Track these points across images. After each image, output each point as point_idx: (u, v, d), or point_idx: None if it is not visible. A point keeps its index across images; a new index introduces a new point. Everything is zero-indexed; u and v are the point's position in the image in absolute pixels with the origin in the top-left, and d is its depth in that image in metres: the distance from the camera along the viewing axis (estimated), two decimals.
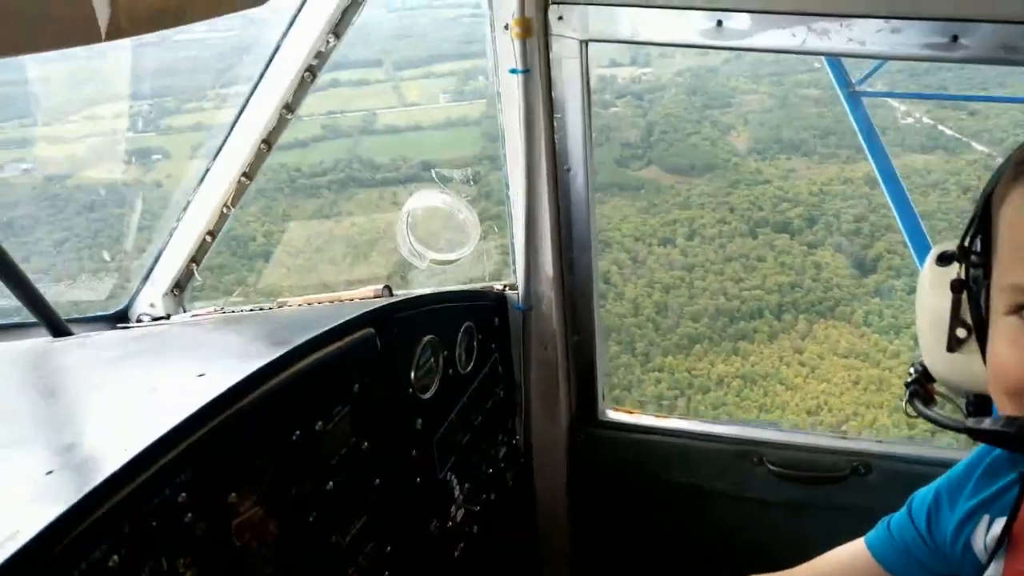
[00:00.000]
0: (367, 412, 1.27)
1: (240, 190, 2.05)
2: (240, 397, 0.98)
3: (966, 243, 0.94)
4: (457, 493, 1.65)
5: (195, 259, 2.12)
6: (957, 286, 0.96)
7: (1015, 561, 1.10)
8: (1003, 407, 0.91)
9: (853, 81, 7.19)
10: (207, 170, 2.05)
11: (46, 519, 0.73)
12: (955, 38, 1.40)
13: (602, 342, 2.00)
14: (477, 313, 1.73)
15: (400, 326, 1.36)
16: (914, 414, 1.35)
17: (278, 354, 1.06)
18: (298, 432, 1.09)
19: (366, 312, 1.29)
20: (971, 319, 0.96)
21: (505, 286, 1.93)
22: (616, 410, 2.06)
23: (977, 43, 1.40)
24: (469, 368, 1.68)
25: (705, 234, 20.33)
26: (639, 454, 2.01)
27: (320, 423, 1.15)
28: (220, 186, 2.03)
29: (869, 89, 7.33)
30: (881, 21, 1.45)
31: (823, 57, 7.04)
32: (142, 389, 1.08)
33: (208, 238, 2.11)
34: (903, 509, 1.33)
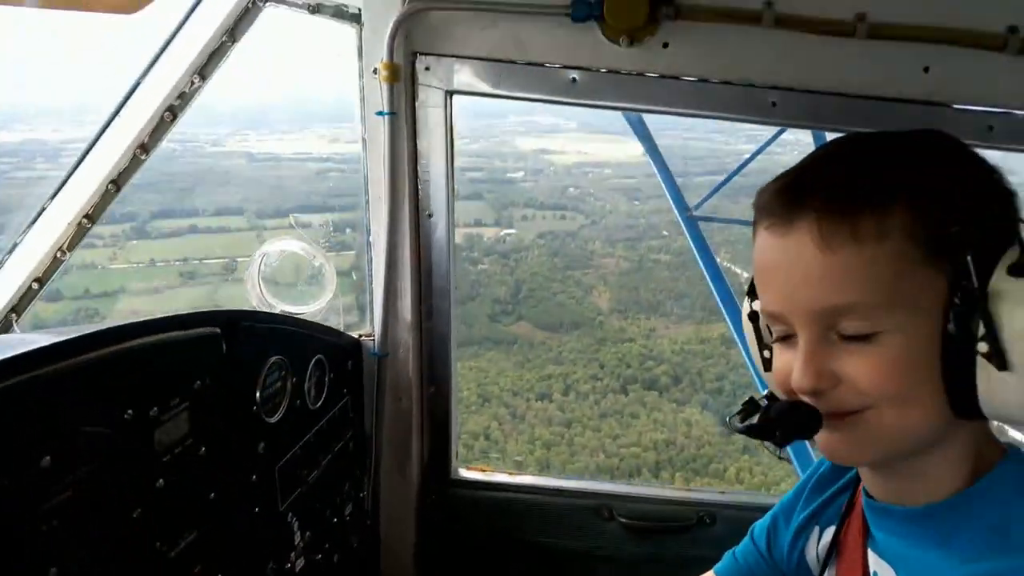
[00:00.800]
0: (207, 416, 1.18)
1: (80, 233, 1.94)
2: (65, 356, 0.90)
3: (754, 280, 1.09)
4: (298, 539, 1.53)
5: (15, 309, 1.94)
6: (753, 317, 1.12)
7: (843, 568, 1.17)
8: None
9: (690, 206, 8.00)
10: (41, 209, 1.92)
11: None
12: (774, 104, 1.63)
13: (456, 397, 1.99)
14: (330, 350, 1.69)
15: (248, 335, 1.30)
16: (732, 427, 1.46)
17: (108, 326, 0.99)
18: (130, 412, 1.00)
19: (212, 311, 1.23)
20: (770, 340, 1.10)
21: (360, 335, 1.90)
22: (469, 469, 2.02)
23: (792, 110, 1.63)
24: (318, 405, 1.62)
25: (580, 390, 21.18)
26: (493, 513, 1.97)
27: (156, 409, 1.06)
28: (56, 228, 1.91)
29: (705, 214, 8.17)
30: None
31: (662, 182, 7.86)
32: None
33: (35, 285, 1.95)
34: (746, 537, 1.41)
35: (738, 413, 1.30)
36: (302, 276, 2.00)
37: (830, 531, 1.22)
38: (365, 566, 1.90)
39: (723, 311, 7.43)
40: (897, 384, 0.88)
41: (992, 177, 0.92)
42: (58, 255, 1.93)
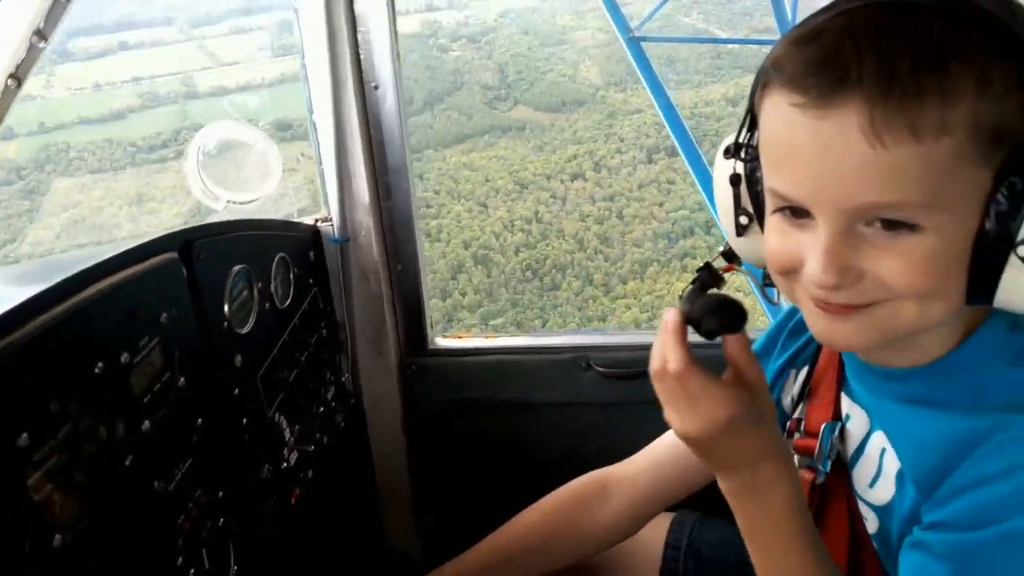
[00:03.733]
0: (180, 346, 1.14)
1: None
2: (19, 324, 0.83)
3: (740, 139, 1.00)
4: (288, 436, 1.55)
5: None
6: (735, 179, 1.03)
7: (815, 407, 1.22)
8: (777, 284, 1.01)
9: (632, 26, 7.58)
10: None
11: None
12: None
13: (425, 271, 1.96)
14: (290, 245, 1.62)
15: (206, 252, 1.23)
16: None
17: (60, 278, 0.91)
18: (101, 365, 0.95)
19: (164, 236, 1.15)
20: (752, 207, 1.03)
21: (316, 220, 1.82)
22: (445, 337, 2.04)
23: None
24: (287, 303, 1.58)
25: (609, 165, 20.96)
26: (472, 377, 2.01)
27: (126, 355, 1.01)
28: None
29: (648, 34, 7.76)
30: None
31: (603, 4, 7.40)
32: None
33: None
34: None
35: (692, 282, 1.30)
36: (245, 161, 1.88)
37: (804, 372, 1.26)
38: (354, 443, 1.95)
39: (676, 143, 7.29)
40: (927, 281, 0.84)
41: None
42: None
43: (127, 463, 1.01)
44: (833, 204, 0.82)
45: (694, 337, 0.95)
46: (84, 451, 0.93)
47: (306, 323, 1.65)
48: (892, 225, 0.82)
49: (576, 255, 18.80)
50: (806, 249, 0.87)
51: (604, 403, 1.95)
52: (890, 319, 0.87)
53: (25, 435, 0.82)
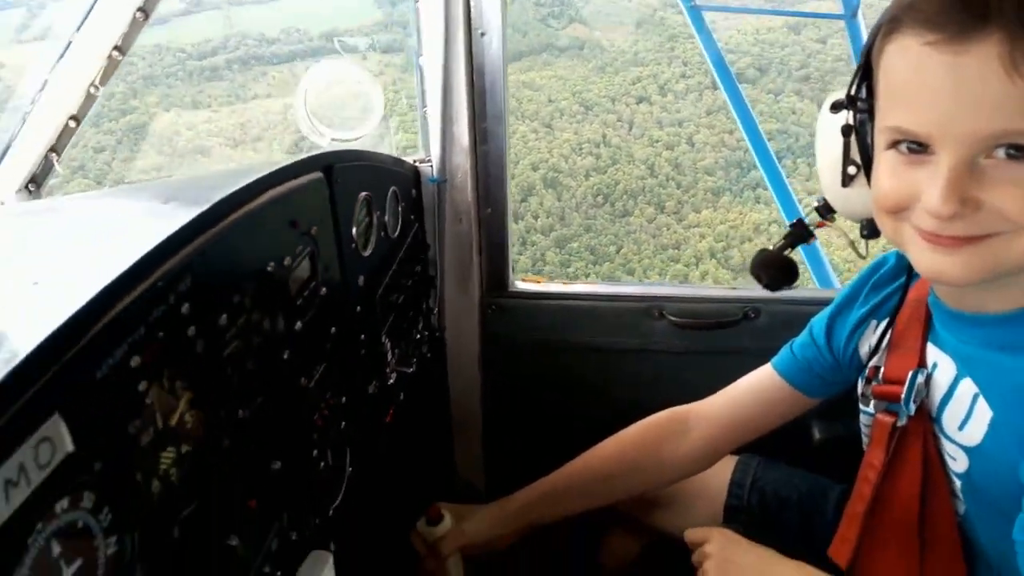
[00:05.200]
0: (323, 258, 1.26)
1: (111, 67, 1.87)
2: (216, 221, 0.94)
3: (852, 92, 1.08)
4: (391, 357, 1.67)
5: (55, 148, 1.93)
6: (847, 131, 1.12)
7: (898, 357, 1.29)
8: (883, 226, 1.08)
9: None
10: (68, 43, 1.84)
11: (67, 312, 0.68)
12: None
13: (510, 216, 2.06)
14: (400, 181, 1.72)
15: (343, 176, 1.34)
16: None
17: (235, 189, 1.02)
18: (272, 264, 1.07)
19: (311, 157, 1.25)
20: (859, 158, 1.11)
21: (416, 161, 1.92)
22: (525, 280, 2.15)
23: None
24: (396, 233, 1.69)
25: (675, 89, 20.49)
26: (547, 320, 2.12)
27: (288, 259, 1.12)
28: (86, 62, 1.84)
29: (711, 3, 7.69)
30: None
31: None
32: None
33: (72, 123, 1.92)
34: (804, 332, 1.51)
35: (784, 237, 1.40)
36: (350, 101, 1.98)
37: (884, 323, 1.33)
38: (435, 374, 2.08)
39: (734, 113, 7.22)
40: None
41: None
42: (91, 90, 1.89)
43: (285, 356, 1.13)
44: (963, 135, 0.88)
45: None
46: (254, 341, 1.05)
47: (410, 254, 1.77)
48: (1007, 166, 0.89)
49: (647, 181, 18.37)
50: (922, 184, 0.94)
51: (675, 352, 2.05)
52: (1002, 252, 0.93)
53: (224, 316, 0.94)
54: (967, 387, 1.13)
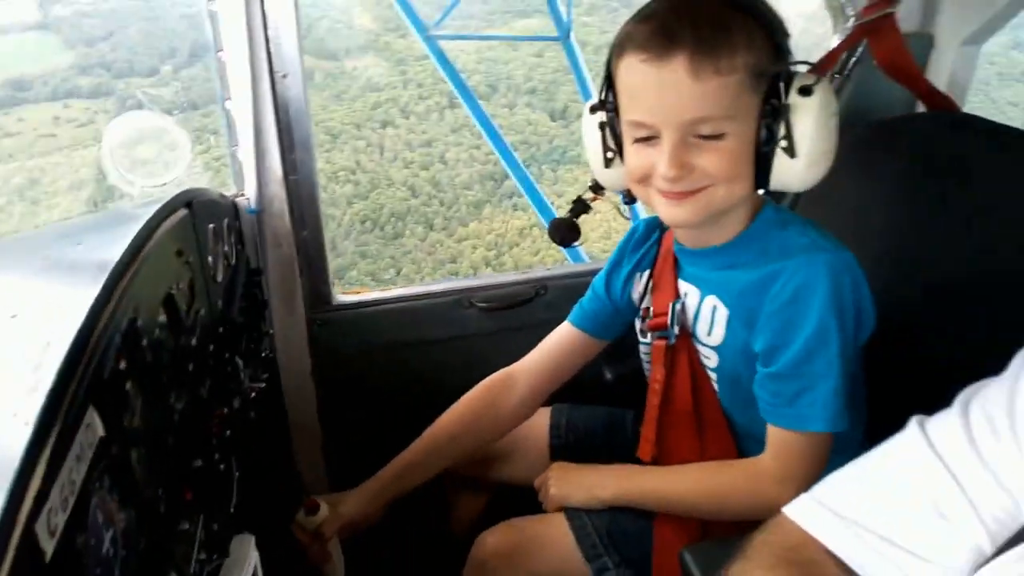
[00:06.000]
0: (197, 282, 1.41)
1: None
2: (136, 253, 1.09)
3: (602, 97, 1.49)
4: (242, 376, 1.81)
5: None
6: (602, 126, 1.50)
7: (660, 294, 1.70)
8: (636, 193, 1.45)
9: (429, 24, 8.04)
10: None
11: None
12: None
13: (326, 237, 2.26)
14: (229, 213, 1.87)
15: (200, 211, 1.49)
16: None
17: (139, 228, 1.17)
18: (172, 287, 1.22)
19: (177, 195, 1.40)
20: (614, 145, 1.53)
21: (232, 196, 2.06)
22: (346, 293, 2.37)
23: None
24: (234, 261, 1.83)
25: (416, 111, 20.16)
26: (371, 326, 2.35)
27: (182, 283, 1.28)
28: None
29: (444, 32, 8.27)
30: None
31: (397, 3, 7.75)
32: None
33: None
34: (588, 291, 1.92)
35: (569, 210, 1.82)
36: (154, 148, 2.06)
37: (647, 273, 1.77)
38: (271, 389, 2.21)
39: (482, 131, 7.82)
40: (733, 169, 1.29)
41: (782, 23, 1.30)
42: None
43: (189, 368, 1.28)
44: (672, 122, 1.26)
45: None
46: (165, 357, 1.21)
47: (248, 279, 1.91)
48: (704, 140, 1.27)
49: (411, 202, 18.57)
50: (656, 158, 1.31)
51: (486, 333, 2.39)
52: (711, 199, 1.33)
53: (156, 331, 1.10)
54: (709, 302, 1.59)
